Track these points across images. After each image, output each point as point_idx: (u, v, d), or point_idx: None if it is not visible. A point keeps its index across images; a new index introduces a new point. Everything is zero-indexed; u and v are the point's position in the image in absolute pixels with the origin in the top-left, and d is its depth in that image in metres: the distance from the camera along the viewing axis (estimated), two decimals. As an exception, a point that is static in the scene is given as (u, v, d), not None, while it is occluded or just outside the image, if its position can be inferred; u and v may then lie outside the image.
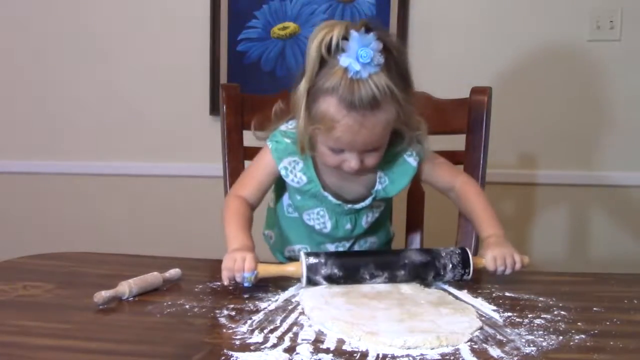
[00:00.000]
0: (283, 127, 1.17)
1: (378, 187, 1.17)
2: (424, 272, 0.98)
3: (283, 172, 1.14)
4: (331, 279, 0.95)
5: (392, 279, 0.97)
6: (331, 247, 1.24)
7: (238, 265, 0.94)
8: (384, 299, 0.90)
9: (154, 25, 2.14)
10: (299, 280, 0.97)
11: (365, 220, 1.21)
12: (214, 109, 2.07)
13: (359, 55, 0.97)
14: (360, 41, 0.98)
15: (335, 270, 0.95)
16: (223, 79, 2.07)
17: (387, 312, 0.84)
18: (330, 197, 1.16)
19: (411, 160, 1.17)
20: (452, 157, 1.40)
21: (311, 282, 0.95)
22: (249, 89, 1.46)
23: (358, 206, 1.18)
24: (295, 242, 1.27)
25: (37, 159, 2.23)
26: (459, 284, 1.00)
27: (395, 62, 1.03)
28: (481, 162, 1.35)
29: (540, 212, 2.02)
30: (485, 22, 1.97)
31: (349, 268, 0.96)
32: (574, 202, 2.00)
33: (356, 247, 1.26)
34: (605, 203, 1.99)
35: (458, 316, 0.83)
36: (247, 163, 1.38)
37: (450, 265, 0.98)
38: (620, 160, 1.97)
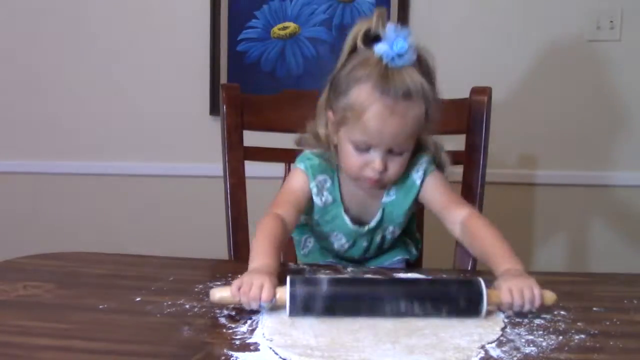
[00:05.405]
0: (308, 151, 1.16)
1: (385, 199, 1.15)
2: (431, 307, 0.82)
3: (314, 190, 1.12)
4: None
5: (396, 313, 0.82)
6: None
7: (254, 293, 0.83)
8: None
9: (154, 25, 2.13)
10: None
11: (379, 242, 1.20)
12: (214, 109, 2.07)
13: (395, 44, 0.98)
14: (397, 32, 0.99)
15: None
16: (223, 79, 2.07)
17: (373, 330, 0.71)
18: (348, 222, 1.15)
19: (416, 177, 1.14)
20: (452, 157, 1.39)
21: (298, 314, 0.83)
22: (249, 89, 1.46)
23: (372, 224, 1.16)
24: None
25: (37, 159, 2.23)
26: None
27: (426, 64, 1.04)
28: (481, 162, 1.35)
29: (540, 212, 2.02)
30: (486, 22, 1.97)
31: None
32: (574, 202, 2.00)
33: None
34: (605, 203, 1.99)
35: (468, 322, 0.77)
36: (247, 163, 1.39)
37: (462, 301, 0.83)
38: (620, 160, 1.97)
